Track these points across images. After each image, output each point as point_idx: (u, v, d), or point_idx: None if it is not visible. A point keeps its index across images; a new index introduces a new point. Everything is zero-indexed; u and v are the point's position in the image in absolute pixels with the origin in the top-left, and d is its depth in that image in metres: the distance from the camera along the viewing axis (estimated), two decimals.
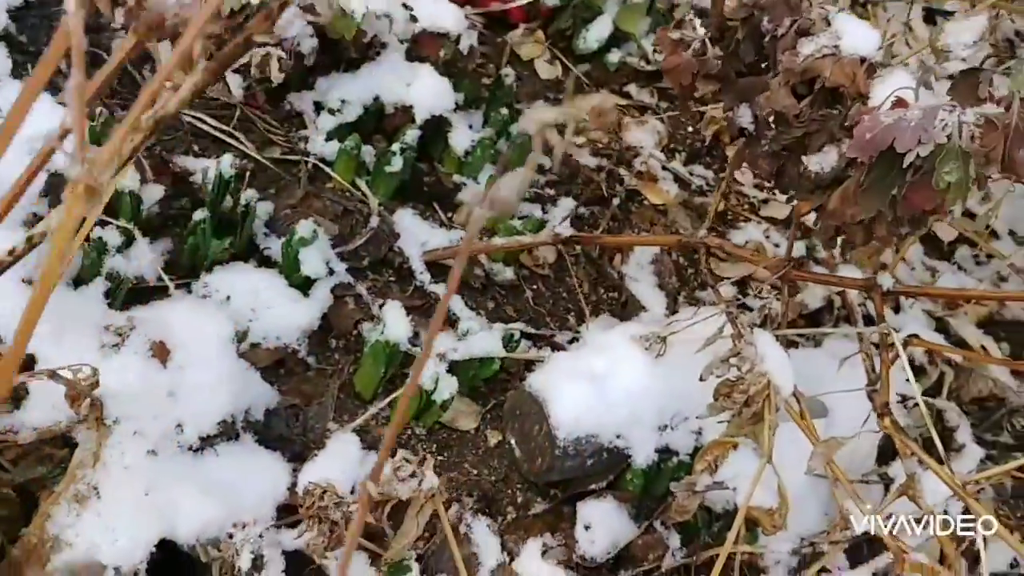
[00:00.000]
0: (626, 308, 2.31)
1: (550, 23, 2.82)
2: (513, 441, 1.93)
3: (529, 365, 2.04)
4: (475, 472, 1.92)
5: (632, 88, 2.81)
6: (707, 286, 2.43)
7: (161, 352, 1.56)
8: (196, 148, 2.08)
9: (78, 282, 1.71)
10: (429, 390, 1.82)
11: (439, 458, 1.90)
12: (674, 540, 1.92)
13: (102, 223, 1.74)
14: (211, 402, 1.58)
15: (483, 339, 1.91)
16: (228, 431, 1.62)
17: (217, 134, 2.10)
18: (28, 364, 1.49)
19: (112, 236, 1.71)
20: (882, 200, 1.38)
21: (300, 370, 1.89)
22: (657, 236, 2.06)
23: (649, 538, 1.90)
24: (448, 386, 1.84)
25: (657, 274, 2.40)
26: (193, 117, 2.09)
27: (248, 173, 2.07)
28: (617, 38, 2.78)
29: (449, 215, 2.26)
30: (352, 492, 1.52)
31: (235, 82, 2.15)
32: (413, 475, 1.37)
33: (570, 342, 2.13)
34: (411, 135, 2.12)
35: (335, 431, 1.78)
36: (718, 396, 1.81)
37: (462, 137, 2.25)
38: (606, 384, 1.88)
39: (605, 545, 1.85)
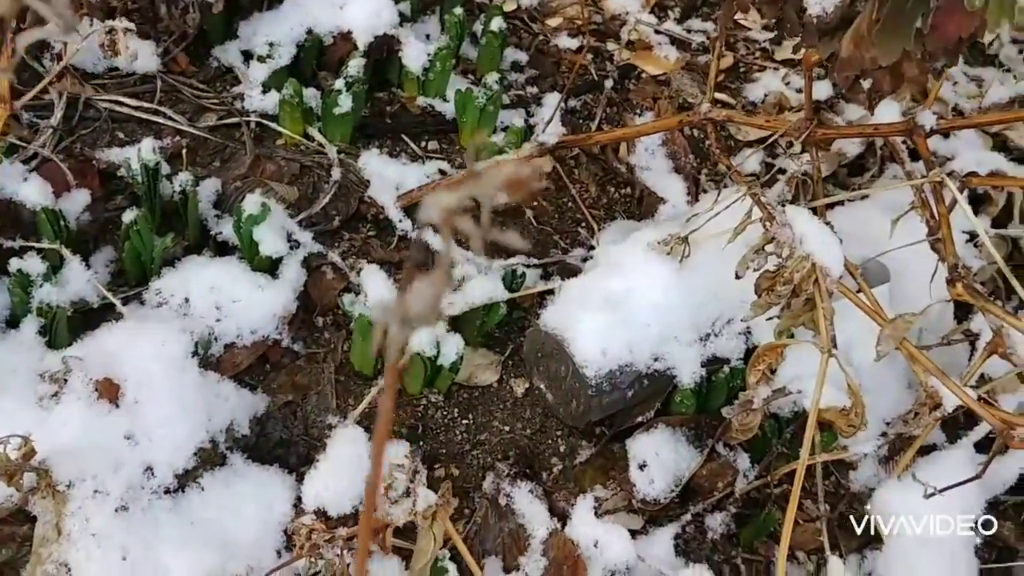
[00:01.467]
0: (643, 203, 2.04)
1: None
2: (542, 386, 1.71)
3: (544, 297, 1.80)
4: (507, 429, 1.70)
5: None
6: (731, 156, 2.14)
7: (108, 390, 1.35)
8: (121, 135, 1.83)
9: (10, 325, 1.50)
10: (431, 356, 1.59)
11: (464, 422, 1.68)
12: (743, 460, 1.69)
13: (20, 251, 1.52)
14: (180, 432, 1.37)
15: (482, 283, 1.66)
16: (210, 458, 1.41)
17: (140, 115, 1.84)
18: None
19: (35, 263, 1.48)
20: (905, 36, 1.09)
21: (287, 361, 1.67)
22: (655, 122, 1.77)
23: (714, 464, 1.68)
24: (452, 346, 1.60)
25: (671, 156, 2.11)
26: (110, 101, 1.83)
27: (185, 150, 1.82)
28: None
29: (422, 145, 1.99)
30: (355, 508, 1.31)
31: (148, 50, 1.88)
32: (407, 493, 1.15)
33: (585, 260, 1.87)
34: (355, 65, 1.84)
35: (337, 425, 1.57)
36: (760, 291, 1.55)
37: (416, 53, 1.95)
38: (628, 305, 1.64)
39: (666, 482, 1.63)
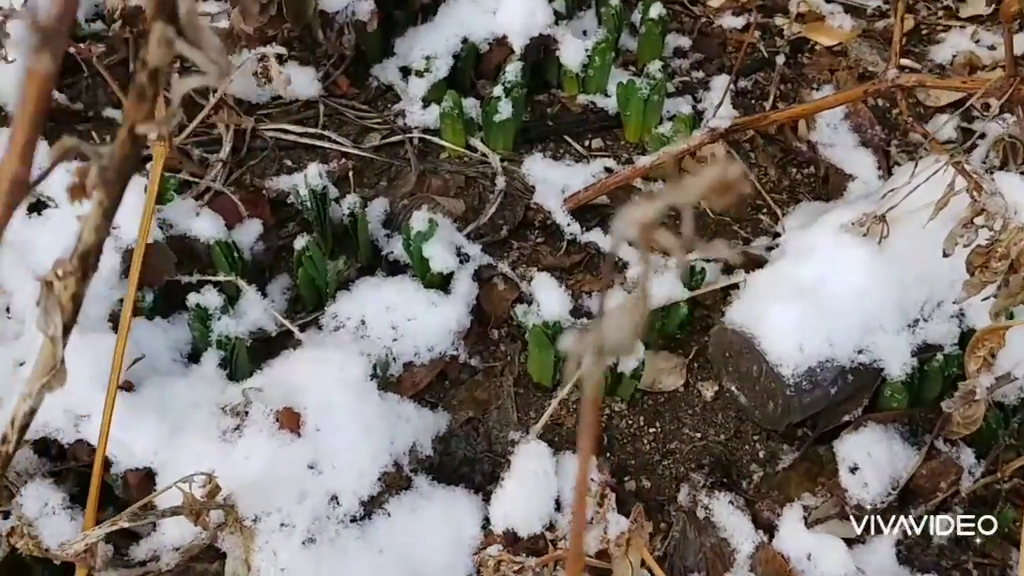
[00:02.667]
0: (829, 182, 1.89)
1: None
2: (734, 388, 1.60)
3: (727, 292, 1.69)
4: (699, 436, 1.60)
5: None
6: (923, 124, 1.96)
7: (290, 420, 1.34)
8: (288, 163, 1.85)
9: (192, 360, 1.52)
10: (612, 363, 1.51)
11: (651, 431, 1.59)
12: (967, 456, 1.52)
13: (198, 285, 1.54)
14: (363, 457, 1.35)
15: (659, 283, 1.57)
16: (395, 482, 1.38)
17: (306, 141, 1.86)
18: (145, 482, 1.31)
19: (213, 297, 1.50)
20: None
21: (466, 376, 1.63)
22: (838, 94, 1.62)
23: (935, 463, 1.51)
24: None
25: (856, 129, 1.95)
26: (275, 130, 1.86)
27: (351, 172, 1.82)
28: None
29: (585, 144, 1.91)
30: (546, 528, 1.24)
31: (308, 76, 1.89)
32: (591, 520, 1.07)
33: (770, 249, 1.75)
34: (512, 70, 1.79)
35: (520, 440, 1.51)
36: (972, 269, 1.40)
37: (574, 50, 1.88)
38: (824, 293, 1.51)
39: (882, 485, 1.49)
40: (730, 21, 2.13)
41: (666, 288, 1.56)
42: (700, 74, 2.03)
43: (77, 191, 0.53)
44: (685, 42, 2.08)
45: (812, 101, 1.65)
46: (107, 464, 1.31)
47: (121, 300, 1.51)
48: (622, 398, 1.60)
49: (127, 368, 1.40)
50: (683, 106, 1.89)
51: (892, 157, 1.93)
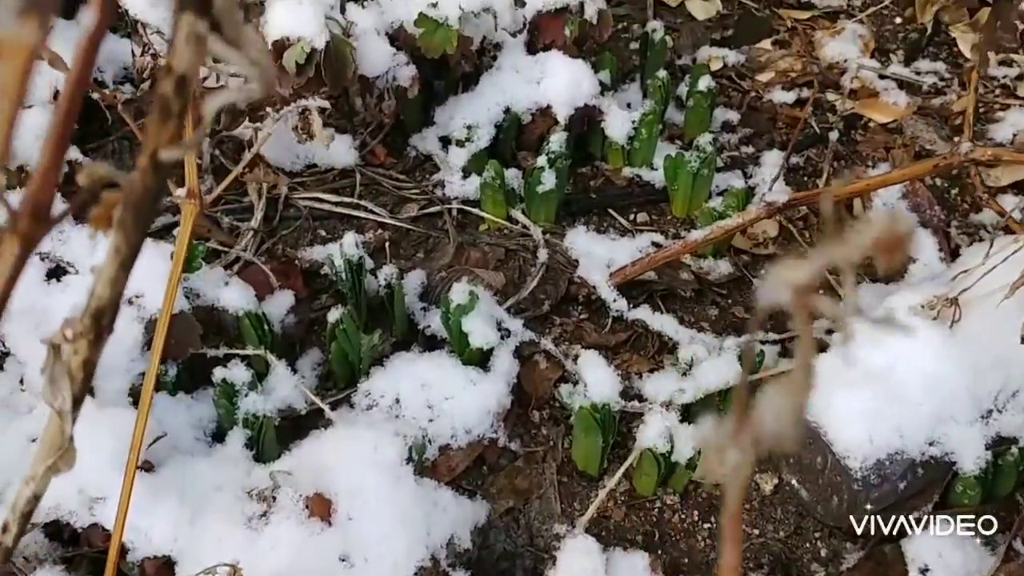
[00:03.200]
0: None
1: None
2: (794, 481, 1.48)
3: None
4: (757, 532, 1.48)
5: None
6: (981, 207, 1.87)
7: (320, 507, 1.24)
8: (323, 233, 1.77)
9: (216, 439, 1.43)
10: (664, 452, 1.40)
11: (705, 526, 1.47)
12: None
13: (225, 359, 1.45)
14: (398, 549, 1.24)
15: (715, 366, 1.47)
16: None
17: (341, 210, 1.79)
18: (164, 571, 1.20)
19: (240, 372, 1.41)
20: None
21: (506, 462, 1.52)
22: (904, 169, 1.54)
23: (1014, 565, 1.39)
24: (687, 440, 1.41)
25: (914, 209, 1.86)
26: (310, 199, 1.79)
27: (387, 243, 1.74)
28: None
29: (630, 218, 1.83)
30: None
31: (345, 144, 1.83)
32: None
33: (830, 332, 1.65)
34: (556, 139, 1.72)
35: (566, 535, 1.39)
36: None
37: (619, 121, 1.82)
38: (893, 380, 1.41)
39: None
40: (780, 96, 2.06)
41: (722, 370, 1.46)
42: (750, 149, 1.96)
43: (101, 220, 0.43)
44: (733, 116, 2.02)
45: (875, 176, 1.57)
46: (123, 551, 1.20)
47: (142, 374, 1.42)
48: (675, 490, 1.49)
49: (147, 447, 1.30)
50: (733, 181, 1.81)
51: (952, 239, 1.84)
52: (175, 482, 1.27)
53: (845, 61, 2.12)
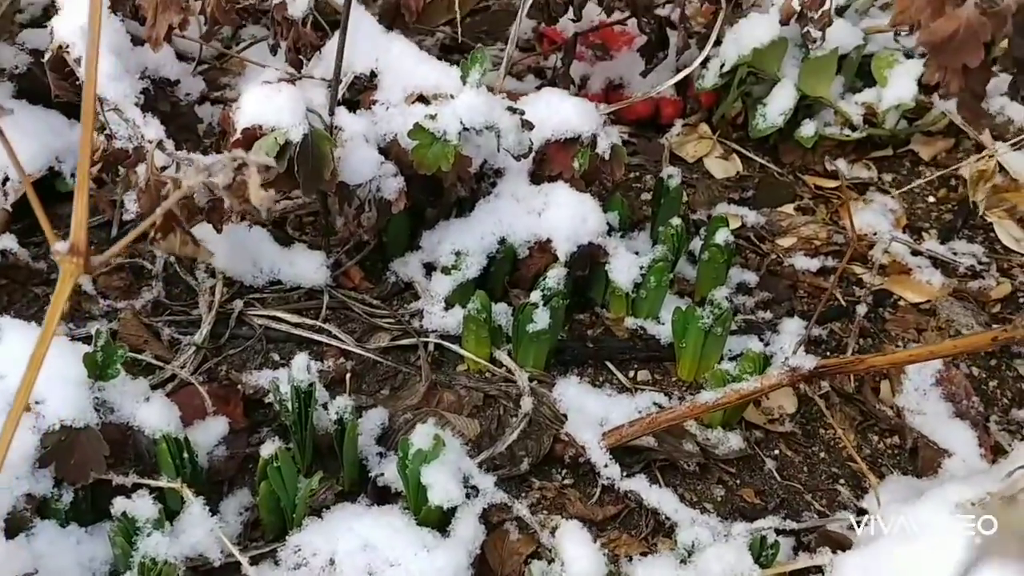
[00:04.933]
0: (918, 457, 1.55)
1: (712, 113, 2.22)
2: None
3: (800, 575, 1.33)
4: None
5: (840, 164, 2.14)
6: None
7: None
8: (275, 357, 1.55)
9: None
10: None
11: None
12: None
13: (134, 489, 1.20)
14: None
15: (720, 553, 1.21)
16: None
17: (301, 333, 1.57)
18: None
19: (144, 505, 1.15)
20: None
21: None
22: (958, 340, 1.33)
23: None
24: None
25: (949, 398, 1.64)
26: (267, 317, 1.57)
27: (349, 375, 1.51)
28: (805, 108, 2.13)
29: (630, 375, 1.61)
30: None
31: (315, 262, 1.63)
32: None
33: (854, 527, 1.39)
34: (554, 276, 1.52)
35: None
36: None
37: (625, 265, 1.63)
38: None
39: None
40: (802, 262, 1.88)
41: (730, 561, 1.20)
42: (767, 315, 1.76)
43: None
44: (751, 278, 1.82)
45: (919, 347, 1.34)
46: None
47: (28, 495, 1.17)
48: None
49: None
50: (748, 345, 1.60)
51: (992, 434, 1.61)
52: None
53: (874, 233, 1.95)
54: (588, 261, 1.62)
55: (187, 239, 1.16)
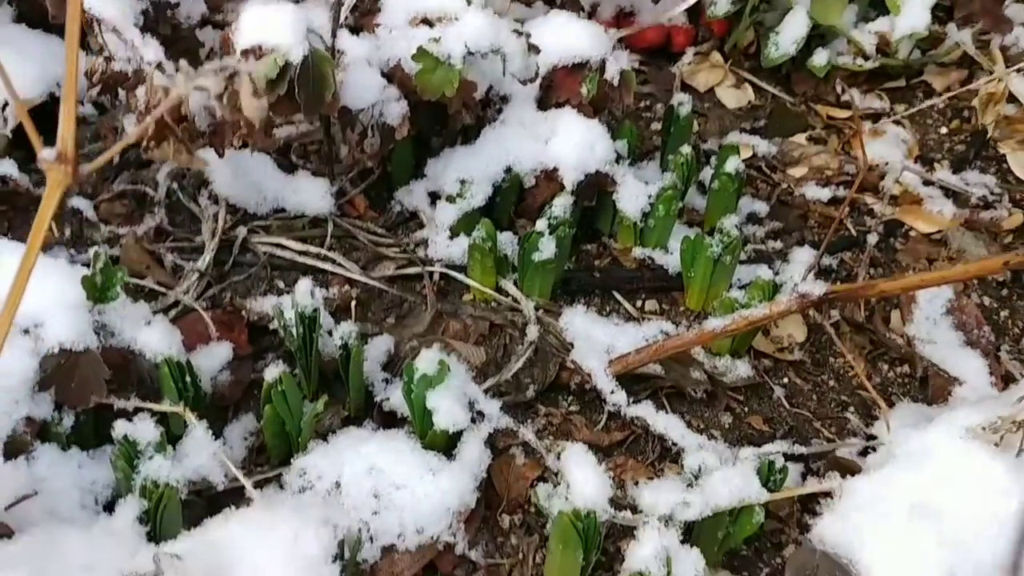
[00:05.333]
0: (929, 385, 1.54)
1: (724, 41, 2.18)
2: None
3: (808, 504, 1.32)
4: None
5: (853, 94, 2.09)
6: None
7: None
8: (280, 284, 1.53)
9: (110, 508, 1.16)
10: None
11: None
12: None
13: (136, 414, 1.19)
14: None
15: (728, 476, 1.20)
16: None
17: (306, 261, 1.55)
18: None
19: (146, 428, 1.15)
20: None
21: (462, 573, 1.24)
22: (970, 265, 1.30)
23: None
24: (689, 565, 1.14)
25: (960, 327, 1.62)
26: (271, 245, 1.55)
27: (354, 303, 1.50)
28: (818, 37, 2.09)
29: (637, 304, 1.59)
30: None
31: (320, 189, 1.61)
32: None
33: (863, 453, 1.39)
34: (560, 204, 1.50)
35: None
36: None
37: (634, 194, 1.60)
38: (945, 514, 1.13)
39: None
40: (814, 192, 1.85)
41: (736, 484, 1.19)
42: (777, 244, 1.73)
43: None
44: (761, 208, 1.80)
45: (932, 272, 1.31)
46: None
47: (28, 419, 1.16)
48: None
49: (6, 508, 1.03)
50: (758, 273, 1.58)
51: (1003, 363, 1.60)
52: (35, 556, 0.99)
53: (886, 164, 1.91)
54: (596, 190, 1.60)
55: (181, 147, 1.14)
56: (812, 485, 1.25)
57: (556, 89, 1.62)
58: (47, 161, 0.69)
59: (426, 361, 1.26)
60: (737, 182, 1.67)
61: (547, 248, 1.48)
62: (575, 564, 1.17)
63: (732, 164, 1.66)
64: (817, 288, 1.35)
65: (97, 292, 1.20)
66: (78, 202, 1.57)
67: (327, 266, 1.54)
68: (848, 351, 1.57)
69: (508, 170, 1.59)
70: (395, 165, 1.64)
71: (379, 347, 1.43)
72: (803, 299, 1.34)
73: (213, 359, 1.35)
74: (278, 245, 1.55)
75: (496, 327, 1.51)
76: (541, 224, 1.49)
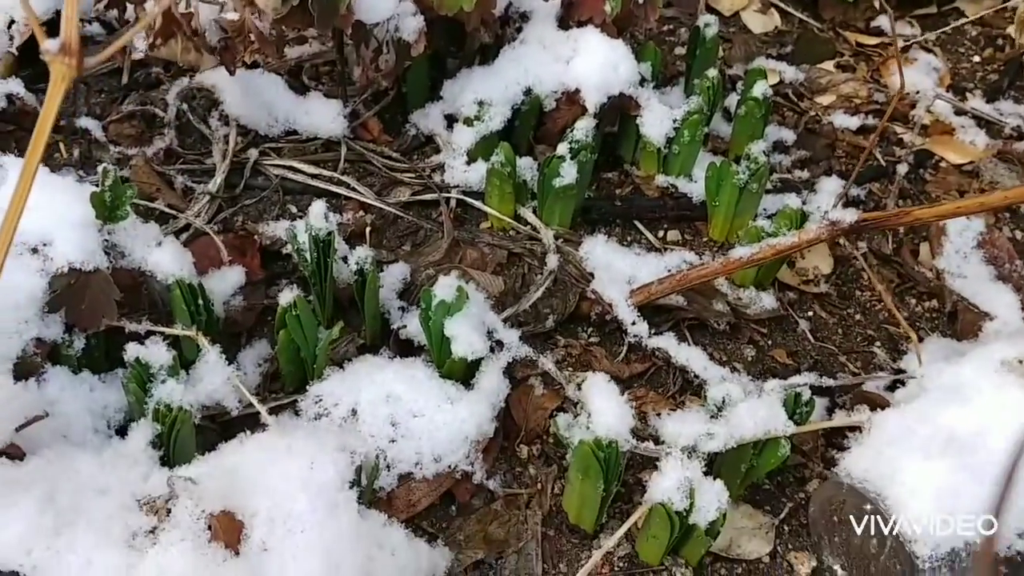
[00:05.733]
0: (958, 320, 1.50)
1: None
2: (837, 567, 1.18)
3: (833, 438, 1.29)
4: None
5: (882, 22, 2.02)
6: None
7: (227, 530, 0.93)
8: (293, 209, 1.49)
9: (121, 433, 1.13)
10: (681, 510, 1.10)
11: None
12: None
13: (147, 337, 1.16)
14: None
15: (754, 408, 1.17)
16: None
17: (319, 184, 1.51)
18: None
19: (159, 352, 1.12)
20: None
21: (480, 503, 1.22)
22: (1009, 191, 1.25)
23: None
24: (712, 497, 1.11)
25: (991, 261, 1.58)
26: (283, 167, 1.51)
27: (369, 229, 1.46)
28: None
29: (659, 234, 1.55)
30: None
31: (332, 110, 1.56)
32: None
33: (889, 388, 1.35)
34: (583, 127, 1.44)
35: None
36: None
37: (658, 119, 1.55)
38: (979, 449, 1.10)
39: None
40: (842, 120, 1.79)
41: (762, 416, 1.16)
42: (804, 174, 1.68)
43: None
44: (788, 136, 1.74)
45: (969, 199, 1.25)
46: None
47: (37, 339, 1.13)
48: (687, 561, 1.18)
49: (17, 429, 1.01)
50: (784, 203, 1.53)
51: None
52: (47, 478, 0.97)
53: (917, 93, 1.85)
54: (619, 113, 1.54)
55: (189, 45, 1.09)
56: (841, 418, 1.22)
57: (578, 6, 1.56)
58: (51, 52, 0.64)
59: (444, 287, 1.22)
60: (764, 107, 1.61)
61: (568, 173, 1.43)
62: (595, 494, 1.14)
63: (760, 88, 1.60)
64: (848, 216, 1.31)
65: (106, 210, 1.16)
66: (87, 122, 1.52)
67: (341, 190, 1.50)
68: (874, 284, 1.53)
69: (528, 92, 1.54)
70: (410, 86, 1.59)
71: (394, 275, 1.40)
72: (833, 227, 1.30)
73: (225, 283, 1.32)
74: (290, 168, 1.50)
75: (514, 256, 1.47)
76: (562, 148, 1.44)
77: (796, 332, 1.46)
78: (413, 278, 1.42)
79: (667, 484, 1.10)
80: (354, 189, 1.50)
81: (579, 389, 1.25)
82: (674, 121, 1.55)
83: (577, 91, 1.52)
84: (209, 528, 0.93)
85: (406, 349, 1.32)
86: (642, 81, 1.57)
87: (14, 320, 1.10)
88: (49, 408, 1.11)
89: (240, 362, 1.28)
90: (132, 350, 1.11)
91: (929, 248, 1.59)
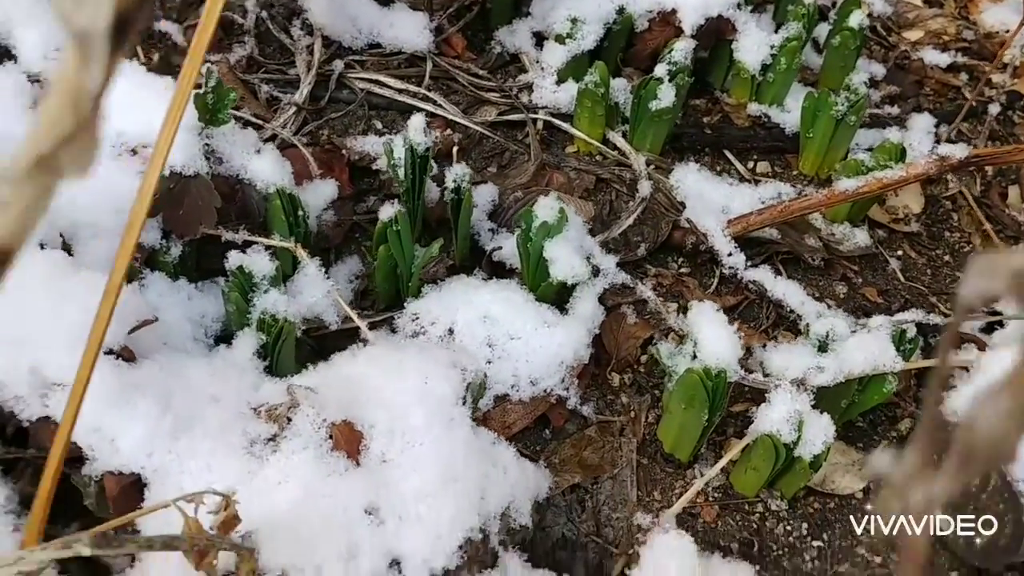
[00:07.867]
0: None
1: None
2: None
3: (925, 377, 1.27)
4: (878, 561, 1.16)
5: None
6: None
7: (348, 439, 0.92)
8: (378, 125, 1.45)
9: (222, 341, 1.11)
10: (789, 441, 1.08)
11: (815, 544, 1.15)
12: None
13: (245, 247, 1.13)
14: (443, 511, 0.92)
15: (864, 342, 1.15)
16: (478, 556, 0.95)
17: (405, 100, 1.46)
18: (129, 492, 0.88)
19: (262, 262, 1.09)
20: None
21: (573, 428, 1.20)
22: None
23: None
24: (819, 430, 1.09)
25: None
26: (368, 81, 1.47)
27: (456, 149, 1.42)
28: None
29: (748, 165, 1.51)
30: None
31: (418, 24, 1.51)
32: None
33: (989, 330, 1.33)
34: (682, 49, 1.40)
35: (653, 529, 1.08)
36: None
37: (754, 44, 1.50)
38: None
39: None
40: (932, 57, 1.74)
41: (873, 352, 1.14)
42: (894, 109, 1.64)
43: None
44: (878, 71, 1.70)
45: None
46: (78, 459, 0.89)
47: (137, 246, 1.10)
48: (782, 494, 1.17)
49: (129, 332, 0.99)
50: (875, 138, 1.49)
51: None
52: (160, 382, 0.95)
53: (1006, 31, 1.80)
54: (715, 36, 1.50)
55: None
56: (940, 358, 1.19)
57: None
58: None
59: (545, 208, 1.19)
60: (859, 39, 1.56)
61: (666, 96, 1.39)
62: (698, 424, 1.13)
63: (856, 19, 1.55)
64: (958, 151, 1.27)
65: (208, 113, 1.13)
66: (167, 26, 1.48)
67: (427, 106, 1.46)
68: (965, 227, 1.50)
69: (620, 10, 1.49)
70: (495, 1, 1.54)
71: (484, 196, 1.37)
72: (943, 162, 1.26)
73: (317, 196, 1.28)
74: (376, 82, 1.46)
75: (602, 182, 1.43)
76: (660, 70, 1.39)
77: (886, 271, 1.43)
78: (501, 200, 1.38)
79: (775, 416, 1.09)
80: (440, 106, 1.46)
81: (682, 315, 1.23)
82: (772, 47, 1.50)
83: (673, 11, 1.47)
84: (330, 437, 0.92)
85: (498, 271, 1.29)
86: (739, 4, 1.52)
87: (114, 218, 1.08)
88: (151, 312, 1.09)
89: (333, 278, 1.26)
90: (235, 258, 1.09)
91: (1020, 191, 1.56)
